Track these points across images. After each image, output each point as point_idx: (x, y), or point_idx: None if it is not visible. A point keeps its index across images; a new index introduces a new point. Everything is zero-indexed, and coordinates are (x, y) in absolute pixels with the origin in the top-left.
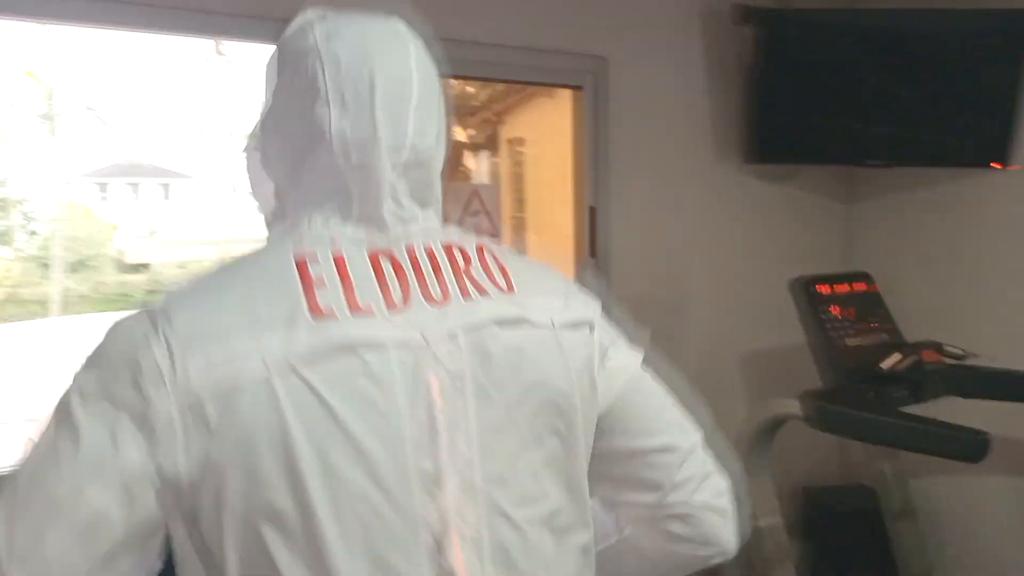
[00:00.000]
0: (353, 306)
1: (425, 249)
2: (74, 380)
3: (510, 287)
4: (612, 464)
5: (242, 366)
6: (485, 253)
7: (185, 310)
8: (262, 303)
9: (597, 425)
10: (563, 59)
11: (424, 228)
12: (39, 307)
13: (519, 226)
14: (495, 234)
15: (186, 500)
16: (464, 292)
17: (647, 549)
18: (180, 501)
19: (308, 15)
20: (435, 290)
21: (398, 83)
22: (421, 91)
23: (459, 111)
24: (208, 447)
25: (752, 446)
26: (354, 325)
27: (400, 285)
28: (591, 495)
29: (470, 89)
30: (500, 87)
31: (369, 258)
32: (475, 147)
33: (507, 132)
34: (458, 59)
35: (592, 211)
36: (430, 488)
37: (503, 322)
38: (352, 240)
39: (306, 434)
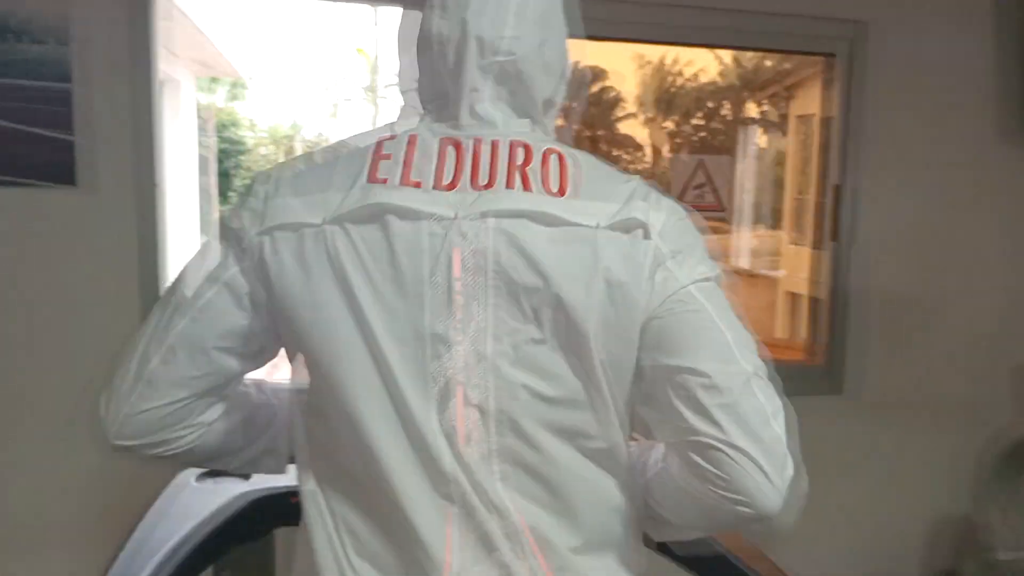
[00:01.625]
0: (405, 178)
1: (491, 142)
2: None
3: (562, 190)
4: (645, 381)
5: (307, 213)
6: (553, 156)
7: (286, 170)
8: (339, 171)
9: (640, 337)
10: (814, 24)
11: (504, 131)
12: None
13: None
14: (720, 209)
15: (271, 316)
16: (509, 183)
17: (680, 481)
18: (269, 317)
19: None
20: (482, 177)
21: None
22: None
23: (748, 85)
24: (275, 271)
25: (1001, 469)
26: (399, 193)
27: (455, 169)
28: (637, 414)
29: (768, 62)
30: (793, 59)
31: (440, 143)
32: (765, 124)
33: (797, 108)
34: (698, 27)
35: (836, 190)
36: (439, 350)
37: (536, 216)
38: (433, 129)
39: (339, 272)
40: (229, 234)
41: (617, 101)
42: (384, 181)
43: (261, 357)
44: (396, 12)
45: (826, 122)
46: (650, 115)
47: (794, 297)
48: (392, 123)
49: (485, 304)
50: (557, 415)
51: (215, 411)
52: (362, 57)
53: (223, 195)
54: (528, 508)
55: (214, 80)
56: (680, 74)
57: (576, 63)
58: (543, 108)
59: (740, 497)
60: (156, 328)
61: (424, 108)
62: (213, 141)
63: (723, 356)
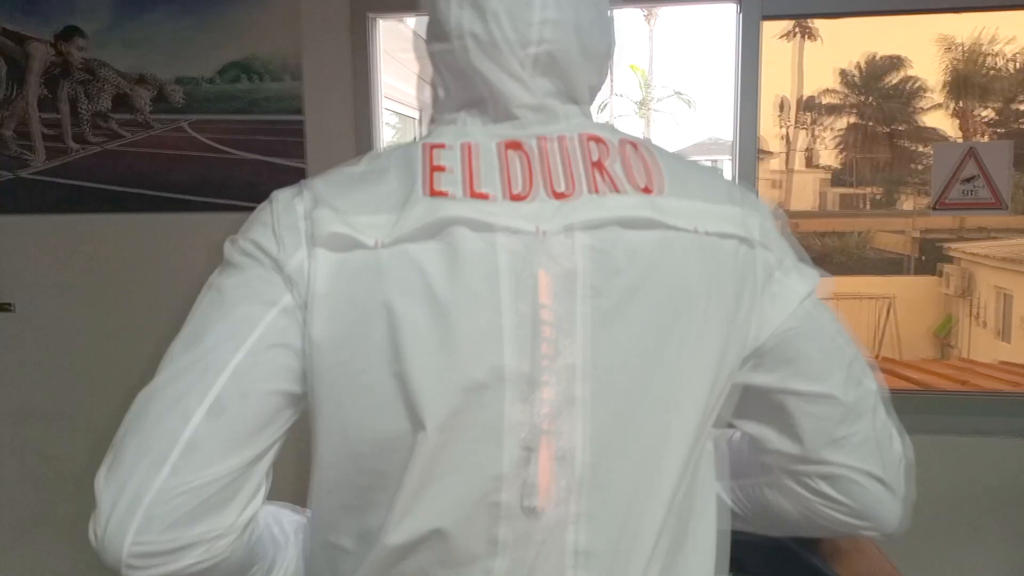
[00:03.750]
0: (470, 190)
1: (559, 140)
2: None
3: (650, 186)
4: (761, 401)
5: (357, 235)
6: (629, 148)
7: (325, 184)
8: (387, 185)
9: (752, 355)
10: None
11: (566, 125)
12: None
13: None
14: (999, 206)
15: (303, 341)
16: (593, 186)
17: (786, 502)
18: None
19: None
20: (560, 183)
21: None
22: None
23: None
24: (320, 301)
25: None
26: (467, 206)
27: (525, 175)
28: (736, 428)
29: None
30: None
31: (498, 148)
32: None
33: None
34: None
35: None
36: (524, 392)
37: (631, 222)
38: (485, 132)
39: (408, 309)
40: (266, 260)
41: (920, 91)
42: (446, 194)
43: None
44: (671, 26)
45: None
46: (959, 104)
47: None
48: (426, 136)
49: (573, 337)
50: (660, 450)
51: (258, 500)
52: (635, 73)
53: None
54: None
55: None
56: (998, 54)
57: (874, 55)
58: (590, 96)
59: (866, 522)
60: (187, 378)
61: (451, 107)
62: None
63: (852, 379)
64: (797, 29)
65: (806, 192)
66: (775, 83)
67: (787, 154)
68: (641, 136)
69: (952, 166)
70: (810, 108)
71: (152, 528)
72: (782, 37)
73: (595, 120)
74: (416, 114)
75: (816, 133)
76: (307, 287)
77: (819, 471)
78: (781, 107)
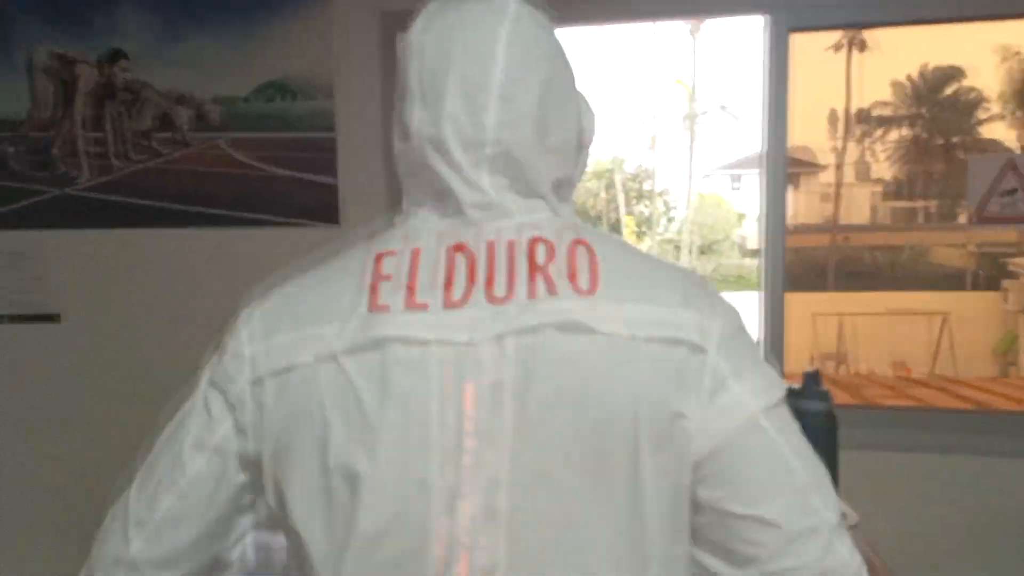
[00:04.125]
0: (409, 301)
1: (507, 244)
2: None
3: (593, 288)
4: (700, 521)
5: (298, 352)
6: (580, 248)
7: (272, 301)
8: (334, 296)
9: (696, 469)
10: None
11: (520, 223)
12: None
13: None
14: None
15: (258, 471)
16: (531, 292)
17: None
18: (256, 472)
19: (429, 3)
20: (499, 288)
21: (477, 72)
22: (511, 77)
23: None
24: (263, 423)
25: None
26: (402, 320)
27: (467, 281)
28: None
29: None
30: None
31: (446, 252)
32: None
33: None
34: None
35: None
36: (448, 504)
37: (564, 327)
38: (437, 234)
39: (340, 420)
40: (211, 389)
41: (978, 101)
42: (387, 308)
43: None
44: (715, 37)
45: None
46: (1018, 115)
47: None
48: (393, 227)
49: (499, 448)
50: (586, 569)
51: None
52: (680, 87)
53: None
54: None
55: None
56: None
57: (930, 65)
58: (555, 189)
59: None
60: (135, 505)
61: (412, 199)
62: None
63: (800, 505)
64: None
65: (859, 205)
66: (829, 95)
67: (838, 167)
68: (602, 234)
69: (990, 179)
70: (864, 120)
71: None
72: (831, 49)
73: (563, 211)
74: None
75: (869, 145)
76: (252, 410)
77: None
78: (833, 120)
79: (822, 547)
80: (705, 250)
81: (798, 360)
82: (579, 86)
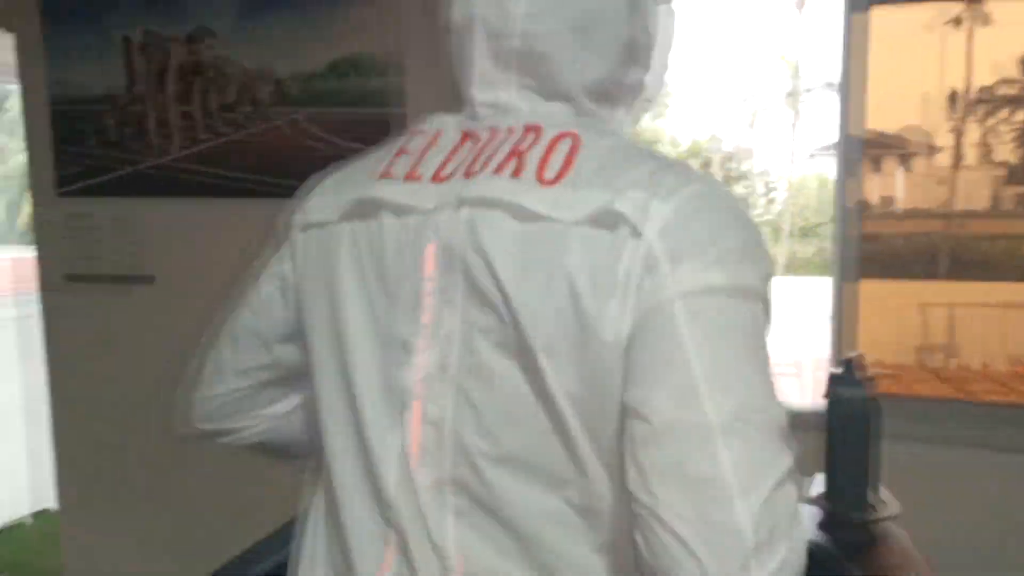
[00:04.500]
0: (409, 173)
1: (507, 129)
2: None
3: (560, 176)
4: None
5: (329, 209)
6: (563, 140)
7: (337, 169)
8: (370, 164)
9: (608, 357)
10: None
11: (526, 118)
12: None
13: None
14: None
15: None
16: (499, 169)
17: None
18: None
19: None
20: (479, 165)
21: None
22: None
23: None
24: (299, 267)
25: None
26: (393, 187)
27: (456, 159)
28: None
29: None
30: None
31: (459, 136)
32: None
33: None
34: None
35: None
36: (405, 356)
37: (511, 208)
38: (457, 121)
39: (340, 272)
40: (284, 232)
41: None
42: (390, 175)
43: None
44: (822, 13)
45: None
46: None
47: None
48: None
49: (454, 308)
50: (517, 451)
51: (283, 405)
52: (784, 63)
53: None
54: (482, 553)
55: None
56: None
57: None
58: (593, 93)
59: None
60: (228, 318)
61: (460, 89)
62: None
63: (680, 397)
64: (966, 15)
65: (978, 191)
66: (946, 73)
67: (955, 150)
68: (611, 134)
69: None
70: (986, 100)
71: (199, 419)
72: (951, 23)
73: (605, 121)
74: None
75: (992, 126)
76: (295, 255)
77: (633, 507)
78: (952, 100)
79: (695, 447)
80: (806, 233)
81: (900, 352)
82: None
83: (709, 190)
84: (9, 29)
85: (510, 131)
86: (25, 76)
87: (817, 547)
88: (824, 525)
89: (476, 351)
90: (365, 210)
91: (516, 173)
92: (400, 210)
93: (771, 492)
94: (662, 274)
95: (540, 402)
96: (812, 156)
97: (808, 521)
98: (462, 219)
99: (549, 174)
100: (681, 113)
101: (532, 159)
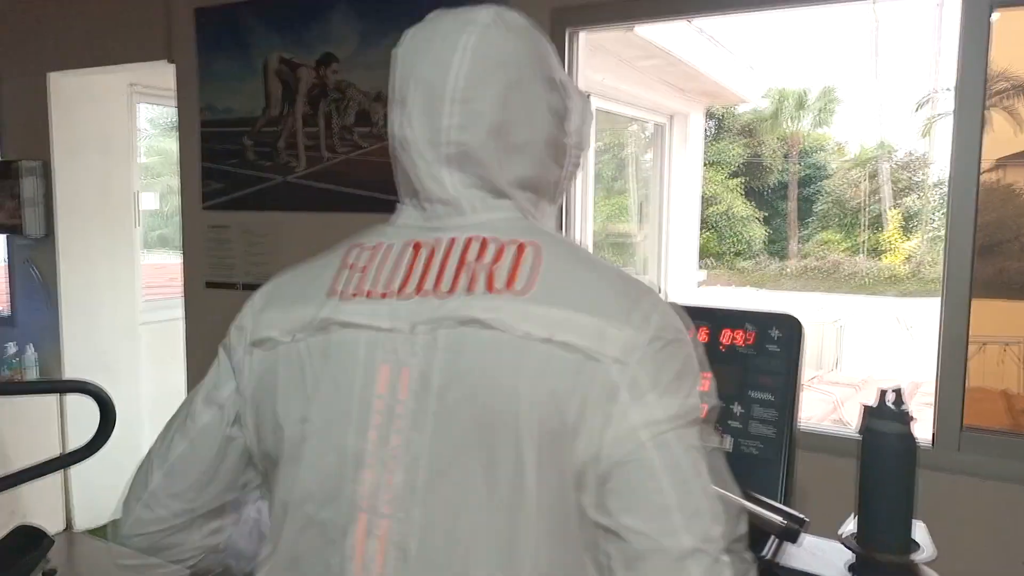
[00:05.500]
0: (358, 289)
1: (464, 241)
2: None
3: (509, 288)
4: (586, 529)
5: (274, 327)
6: (525, 251)
7: (273, 282)
8: (312, 280)
9: (578, 476)
10: None
11: (474, 222)
12: (936, 286)
13: None
14: None
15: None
16: (453, 287)
17: None
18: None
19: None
20: (429, 283)
21: (436, 78)
22: (468, 83)
23: None
24: (246, 387)
25: None
26: (347, 307)
27: (408, 275)
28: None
29: None
30: None
31: (404, 248)
32: None
33: None
34: None
35: None
36: (354, 470)
37: (469, 322)
38: (406, 229)
39: (289, 391)
40: (223, 352)
41: None
42: (340, 293)
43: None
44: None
45: None
46: None
47: None
48: (385, 224)
49: (400, 427)
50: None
51: (219, 536)
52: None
53: (802, 220)
54: None
55: (800, 107)
56: None
57: None
58: (523, 188)
59: None
60: (163, 443)
61: (402, 200)
62: (794, 167)
63: (657, 522)
64: None
65: None
66: None
67: None
68: (556, 237)
69: None
70: None
71: (134, 542)
72: None
73: (533, 215)
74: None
75: None
76: (245, 377)
77: None
78: None
79: (667, 568)
80: (988, 251)
81: None
82: (570, 91)
83: (673, 325)
84: (171, 60)
85: (452, 242)
86: (181, 102)
87: None
88: (854, 568)
89: (436, 472)
90: (317, 329)
91: (471, 289)
92: (351, 328)
93: None
94: (625, 402)
95: (504, 506)
96: (999, 166)
97: (839, 561)
98: (418, 341)
99: (519, 285)
100: (848, 118)
101: (482, 273)
